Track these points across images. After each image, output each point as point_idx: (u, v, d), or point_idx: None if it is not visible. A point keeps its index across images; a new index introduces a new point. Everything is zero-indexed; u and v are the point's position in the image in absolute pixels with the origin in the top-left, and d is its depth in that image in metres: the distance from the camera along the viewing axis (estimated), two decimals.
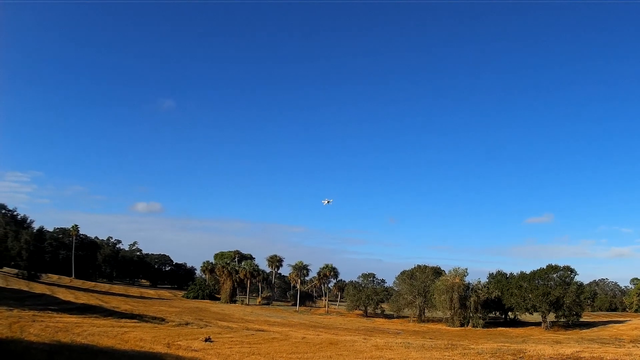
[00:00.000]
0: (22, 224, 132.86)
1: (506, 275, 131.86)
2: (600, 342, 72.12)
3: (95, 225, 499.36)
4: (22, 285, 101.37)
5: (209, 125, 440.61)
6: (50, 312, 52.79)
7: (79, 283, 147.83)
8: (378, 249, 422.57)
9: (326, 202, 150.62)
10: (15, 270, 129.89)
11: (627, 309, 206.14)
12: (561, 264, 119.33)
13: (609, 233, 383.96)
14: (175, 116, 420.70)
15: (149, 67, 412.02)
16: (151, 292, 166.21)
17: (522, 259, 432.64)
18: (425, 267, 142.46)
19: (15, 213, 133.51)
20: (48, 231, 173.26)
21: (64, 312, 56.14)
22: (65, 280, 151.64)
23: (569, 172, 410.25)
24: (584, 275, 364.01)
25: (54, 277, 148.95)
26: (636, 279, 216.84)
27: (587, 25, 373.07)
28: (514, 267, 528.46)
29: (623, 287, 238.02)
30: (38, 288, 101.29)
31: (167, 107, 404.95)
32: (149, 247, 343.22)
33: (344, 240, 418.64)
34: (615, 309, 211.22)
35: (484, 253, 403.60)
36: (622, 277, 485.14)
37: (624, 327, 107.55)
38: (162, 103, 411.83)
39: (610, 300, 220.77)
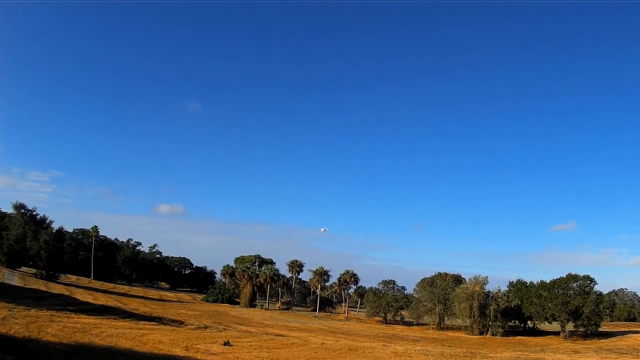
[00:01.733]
0: (41, 223, 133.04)
1: (526, 284, 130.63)
2: (618, 352, 71.60)
3: (117, 226, 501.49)
4: (41, 285, 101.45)
5: (234, 127, 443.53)
6: (68, 312, 52.70)
7: (97, 284, 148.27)
8: (400, 255, 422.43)
9: (322, 230, 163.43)
10: (34, 270, 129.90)
11: None
12: (582, 273, 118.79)
13: (630, 242, 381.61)
14: (200, 118, 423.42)
15: (176, 68, 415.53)
16: (170, 294, 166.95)
17: (544, 267, 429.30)
18: (446, 274, 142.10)
19: (34, 213, 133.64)
20: (67, 232, 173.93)
21: (82, 312, 56.06)
22: (84, 281, 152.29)
23: (591, 179, 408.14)
24: (605, 284, 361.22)
25: (73, 278, 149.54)
26: None
27: (612, 24, 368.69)
28: (536, 274, 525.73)
29: None
30: (56, 288, 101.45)
31: (193, 108, 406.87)
32: (170, 250, 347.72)
33: (365, 245, 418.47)
34: (634, 319, 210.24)
35: (506, 260, 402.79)
36: None
37: None
38: (187, 104, 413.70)
39: (629, 310, 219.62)
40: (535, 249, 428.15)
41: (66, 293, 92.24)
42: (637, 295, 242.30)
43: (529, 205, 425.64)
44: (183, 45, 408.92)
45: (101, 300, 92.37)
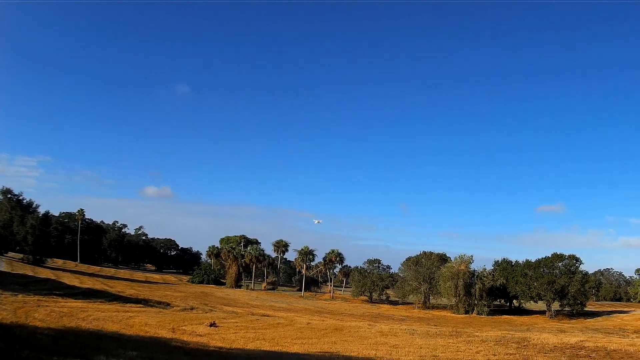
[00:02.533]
0: (27, 208, 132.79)
1: (511, 263, 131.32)
2: (605, 332, 72.11)
3: (105, 210, 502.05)
4: (28, 270, 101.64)
5: (222, 110, 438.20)
6: (55, 297, 53.04)
7: (84, 267, 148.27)
8: (386, 236, 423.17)
9: (317, 222, 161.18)
10: (21, 255, 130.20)
11: (631, 299, 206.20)
12: (569, 253, 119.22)
13: (617, 223, 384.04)
14: (189, 101, 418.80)
15: (165, 52, 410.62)
16: (156, 276, 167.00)
17: (531, 248, 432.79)
18: (431, 253, 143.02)
19: (21, 197, 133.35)
20: (54, 215, 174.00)
21: (69, 296, 56.40)
22: (71, 264, 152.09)
23: (580, 161, 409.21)
24: (592, 265, 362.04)
25: (59, 262, 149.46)
26: None
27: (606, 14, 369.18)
28: (522, 255, 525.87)
29: (628, 277, 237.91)
30: (43, 273, 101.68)
31: (181, 92, 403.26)
32: (156, 232, 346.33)
33: (352, 227, 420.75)
34: (619, 299, 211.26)
35: (492, 240, 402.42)
36: (630, 267, 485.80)
37: (628, 317, 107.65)
38: (176, 88, 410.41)
39: (615, 290, 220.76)
40: (522, 229, 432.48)
41: (53, 277, 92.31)
42: (623, 275, 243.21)
43: (516, 186, 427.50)
44: (172, 29, 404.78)
45: (88, 283, 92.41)
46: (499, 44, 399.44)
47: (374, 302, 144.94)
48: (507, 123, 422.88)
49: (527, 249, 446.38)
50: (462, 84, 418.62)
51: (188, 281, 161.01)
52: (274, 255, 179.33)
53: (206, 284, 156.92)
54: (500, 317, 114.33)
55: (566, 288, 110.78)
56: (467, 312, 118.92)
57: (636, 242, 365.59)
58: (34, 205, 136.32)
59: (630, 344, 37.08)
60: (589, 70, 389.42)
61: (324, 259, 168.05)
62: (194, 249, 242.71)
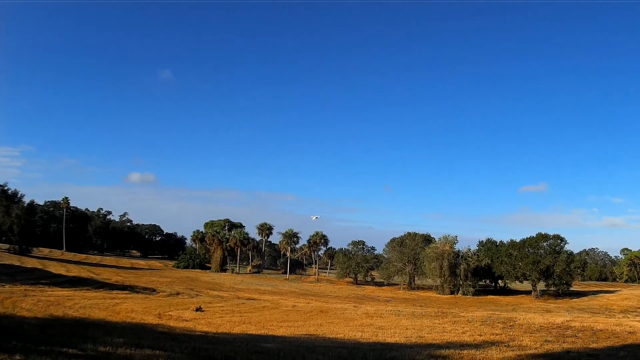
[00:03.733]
0: (12, 198, 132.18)
1: (496, 243, 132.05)
2: (591, 311, 72.77)
3: (89, 197, 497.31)
4: (14, 260, 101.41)
5: (204, 96, 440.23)
6: (42, 286, 53.31)
7: (70, 256, 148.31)
8: (371, 217, 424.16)
9: (314, 218, 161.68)
10: (7, 246, 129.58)
11: (617, 279, 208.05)
12: (553, 233, 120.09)
13: (600, 202, 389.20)
14: (173, 87, 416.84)
15: (146, 37, 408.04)
16: (142, 262, 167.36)
17: (515, 227, 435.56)
18: (415, 234, 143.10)
19: (5, 188, 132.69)
20: (39, 205, 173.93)
21: (56, 285, 56.74)
22: (57, 253, 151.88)
23: (563, 140, 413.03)
24: (577, 245, 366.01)
25: (45, 251, 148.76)
26: (627, 249, 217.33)
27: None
28: (506, 235, 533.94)
29: (613, 257, 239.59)
30: (29, 262, 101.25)
31: (164, 78, 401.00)
32: (141, 218, 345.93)
33: (336, 209, 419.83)
34: (605, 279, 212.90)
35: (476, 221, 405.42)
36: (614, 246, 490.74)
37: (614, 297, 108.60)
38: (160, 74, 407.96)
39: (600, 270, 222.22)
40: (506, 209, 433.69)
41: (39, 267, 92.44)
42: (608, 255, 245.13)
43: (499, 166, 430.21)
44: (156, 15, 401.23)
45: (74, 271, 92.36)
46: (477, 25, 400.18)
47: (359, 284, 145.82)
48: (490, 103, 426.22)
49: (512, 228, 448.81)
50: (445, 65, 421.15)
51: (173, 266, 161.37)
52: (258, 238, 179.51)
53: (191, 268, 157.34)
54: (485, 297, 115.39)
55: (551, 268, 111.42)
56: (452, 293, 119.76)
57: (620, 221, 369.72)
58: (18, 195, 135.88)
59: (616, 323, 37.37)
60: (570, 51, 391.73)
61: (309, 241, 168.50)
62: (179, 234, 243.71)
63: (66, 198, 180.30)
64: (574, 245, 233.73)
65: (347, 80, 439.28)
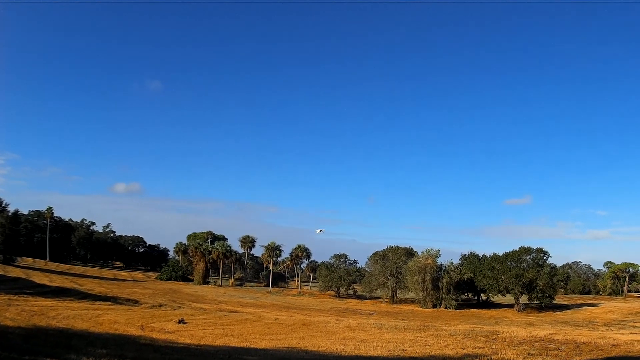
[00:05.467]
0: None
1: (479, 256, 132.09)
2: (574, 324, 72.93)
3: (73, 207, 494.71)
4: None
5: (192, 106, 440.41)
6: (25, 295, 53.19)
7: (53, 266, 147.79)
8: (354, 229, 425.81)
9: (319, 231, 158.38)
10: None
11: (600, 292, 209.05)
12: (537, 246, 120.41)
13: (584, 216, 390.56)
14: (161, 97, 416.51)
15: (136, 47, 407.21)
16: (125, 274, 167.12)
17: (498, 240, 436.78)
18: (398, 248, 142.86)
19: None
20: (23, 214, 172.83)
21: (39, 295, 56.54)
22: (40, 263, 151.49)
23: (548, 153, 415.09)
24: (560, 257, 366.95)
25: (29, 261, 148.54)
26: (610, 262, 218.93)
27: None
28: (490, 248, 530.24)
29: (596, 270, 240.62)
30: (13, 272, 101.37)
31: (153, 88, 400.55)
32: (125, 229, 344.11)
33: (319, 220, 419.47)
34: (588, 292, 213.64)
35: (461, 234, 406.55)
36: (598, 259, 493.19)
37: (597, 310, 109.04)
38: (148, 84, 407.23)
39: (583, 283, 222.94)
40: (490, 222, 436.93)
41: (23, 276, 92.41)
42: (591, 268, 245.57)
43: (484, 179, 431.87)
44: (146, 26, 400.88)
45: (57, 282, 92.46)
46: (458, 33, 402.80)
47: (342, 297, 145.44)
48: (474, 116, 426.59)
49: (496, 241, 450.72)
50: (429, 76, 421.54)
51: (156, 278, 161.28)
52: (241, 251, 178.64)
53: (174, 280, 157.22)
54: (468, 310, 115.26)
55: (534, 281, 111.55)
56: (434, 306, 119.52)
57: (604, 234, 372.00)
58: (3, 204, 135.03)
59: (600, 336, 37.66)
60: (554, 62, 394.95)
61: (291, 254, 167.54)
62: (162, 246, 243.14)
63: (50, 208, 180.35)
64: (558, 258, 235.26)
65: (330, 91, 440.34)
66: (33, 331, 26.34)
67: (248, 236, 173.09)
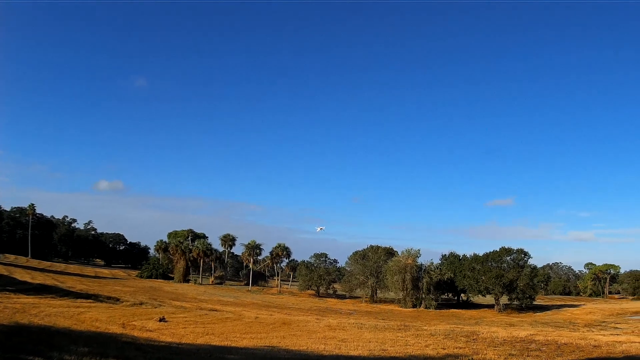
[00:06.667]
0: None
1: (459, 257, 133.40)
2: (555, 325, 73.30)
3: (56, 204, 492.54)
4: None
5: (176, 103, 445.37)
6: (7, 292, 53.12)
7: (35, 263, 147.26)
8: (336, 229, 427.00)
9: (319, 229, 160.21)
10: None
11: (580, 294, 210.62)
12: (520, 247, 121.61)
13: (567, 217, 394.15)
14: (146, 93, 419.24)
15: (122, 44, 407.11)
16: (106, 271, 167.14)
17: (481, 241, 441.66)
18: (378, 247, 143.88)
19: None
20: (5, 210, 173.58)
21: (21, 292, 56.43)
22: (22, 260, 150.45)
23: (532, 155, 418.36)
24: (543, 259, 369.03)
25: (11, 257, 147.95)
26: (591, 263, 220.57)
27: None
28: (472, 248, 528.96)
29: (577, 272, 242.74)
30: None
31: (138, 85, 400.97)
32: (107, 227, 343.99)
33: (301, 220, 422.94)
34: (569, 293, 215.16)
35: (443, 234, 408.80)
36: (580, 260, 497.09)
37: (578, 311, 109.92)
38: (134, 81, 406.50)
39: (564, 284, 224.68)
40: (472, 223, 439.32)
41: (5, 273, 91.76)
42: (572, 269, 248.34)
43: (468, 180, 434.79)
44: (134, 22, 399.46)
45: (39, 279, 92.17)
46: (442, 40, 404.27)
47: (321, 296, 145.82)
48: (457, 118, 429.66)
49: (478, 242, 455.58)
50: (411, 78, 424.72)
51: (137, 276, 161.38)
52: (221, 249, 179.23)
53: (154, 278, 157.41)
54: (448, 310, 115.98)
55: (515, 282, 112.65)
56: (414, 306, 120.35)
57: (586, 236, 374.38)
58: None
59: (581, 337, 37.81)
60: (538, 63, 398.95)
61: (271, 253, 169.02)
62: (143, 244, 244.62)
63: (32, 204, 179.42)
64: (540, 259, 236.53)
65: (314, 89, 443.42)
66: (15, 329, 26.24)
67: (228, 235, 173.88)
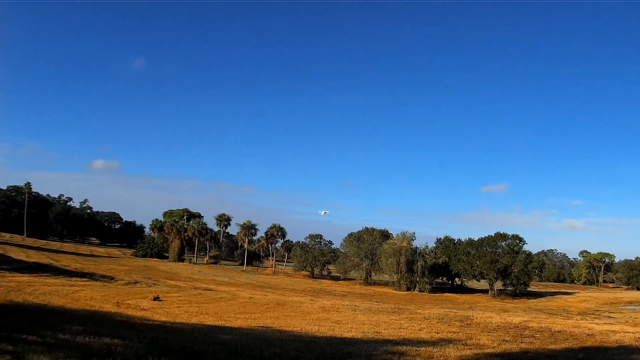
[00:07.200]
0: None
1: (454, 241, 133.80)
2: (548, 312, 73.62)
3: (51, 183, 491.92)
4: None
5: (174, 84, 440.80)
6: (3, 271, 53.25)
7: (30, 241, 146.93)
8: (331, 211, 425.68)
9: (323, 213, 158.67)
10: None
11: (575, 281, 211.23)
12: (512, 233, 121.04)
13: (560, 205, 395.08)
14: (144, 75, 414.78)
15: (120, 23, 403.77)
16: (101, 250, 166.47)
17: (475, 227, 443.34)
18: (373, 229, 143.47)
19: None
20: (1, 189, 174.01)
21: (16, 271, 56.51)
22: (18, 238, 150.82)
23: (525, 141, 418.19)
24: (535, 246, 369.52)
25: (7, 236, 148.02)
26: (585, 251, 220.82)
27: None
28: (465, 233, 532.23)
29: (572, 259, 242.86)
30: None
31: (137, 65, 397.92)
32: (102, 206, 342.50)
33: (294, 201, 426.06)
34: (563, 280, 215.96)
35: (436, 219, 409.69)
36: (573, 248, 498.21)
37: (572, 299, 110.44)
38: (132, 61, 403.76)
39: (558, 271, 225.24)
40: (466, 208, 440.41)
41: (1, 252, 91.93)
42: (566, 256, 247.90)
43: (461, 166, 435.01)
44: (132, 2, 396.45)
45: (34, 257, 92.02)
46: (446, 24, 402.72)
47: (316, 278, 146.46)
48: (453, 104, 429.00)
49: (471, 227, 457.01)
50: (408, 63, 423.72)
51: (132, 255, 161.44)
52: (216, 229, 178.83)
53: (149, 257, 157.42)
54: (442, 294, 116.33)
55: (509, 267, 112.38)
56: (409, 289, 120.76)
57: (580, 224, 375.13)
58: None
59: (575, 325, 37.72)
60: (531, 52, 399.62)
61: (266, 233, 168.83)
62: (138, 223, 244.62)
63: (28, 183, 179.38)
64: (533, 246, 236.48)
65: (309, 74, 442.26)
66: (10, 307, 26.32)
67: (224, 214, 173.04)
